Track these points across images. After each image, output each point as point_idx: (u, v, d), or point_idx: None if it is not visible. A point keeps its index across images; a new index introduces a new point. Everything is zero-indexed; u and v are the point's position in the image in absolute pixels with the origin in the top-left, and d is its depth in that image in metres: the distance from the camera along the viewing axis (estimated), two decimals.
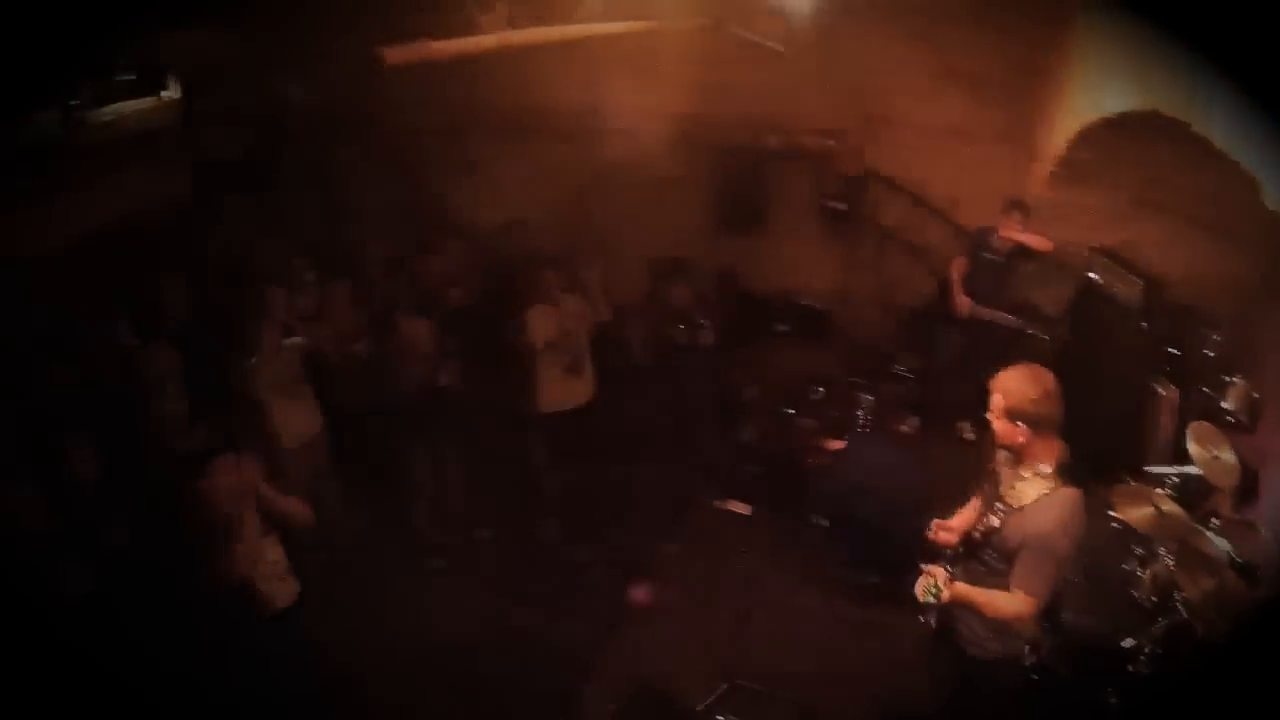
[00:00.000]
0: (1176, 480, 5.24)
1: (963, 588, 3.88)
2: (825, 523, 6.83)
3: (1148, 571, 4.91)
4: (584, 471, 7.59)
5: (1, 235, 7.01)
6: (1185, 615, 4.49)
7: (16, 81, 5.85)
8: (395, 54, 4.54)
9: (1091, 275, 6.96)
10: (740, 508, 7.32)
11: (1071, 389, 6.90)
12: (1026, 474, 3.85)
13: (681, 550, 7.04)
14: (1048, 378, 3.81)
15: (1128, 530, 5.06)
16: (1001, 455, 3.99)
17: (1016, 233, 7.13)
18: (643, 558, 6.98)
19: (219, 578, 4.83)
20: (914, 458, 6.64)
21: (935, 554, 4.26)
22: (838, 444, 6.89)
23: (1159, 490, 5.11)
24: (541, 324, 6.92)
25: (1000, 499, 3.93)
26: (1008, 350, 7.70)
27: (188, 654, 5.42)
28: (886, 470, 6.46)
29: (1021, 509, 3.80)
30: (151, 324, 7.10)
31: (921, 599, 3.90)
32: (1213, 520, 4.94)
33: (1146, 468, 5.54)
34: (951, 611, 4.06)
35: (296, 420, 6.69)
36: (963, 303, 7.61)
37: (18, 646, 4.64)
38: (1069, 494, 3.75)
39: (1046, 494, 3.76)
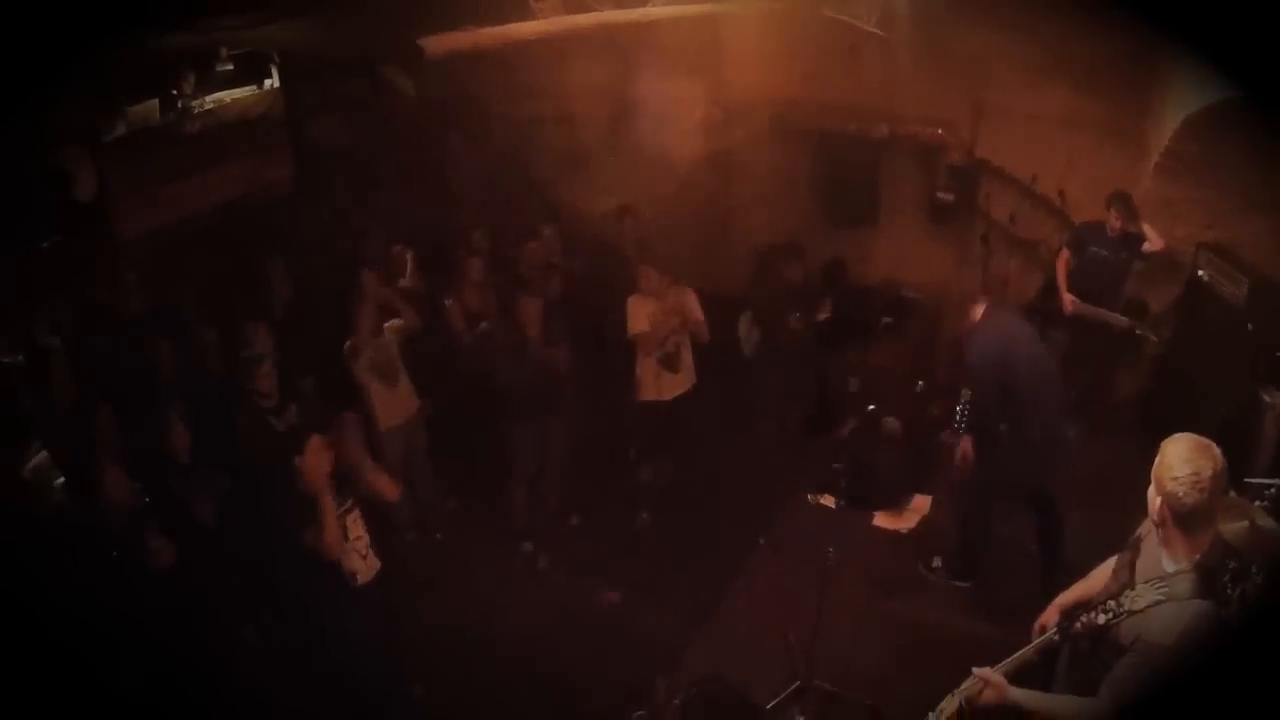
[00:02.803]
0: (1275, 493, 4.97)
1: (1016, 695, 3.58)
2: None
3: (1238, 590, 4.67)
4: (678, 462, 7.64)
5: (112, 218, 7.36)
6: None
7: (121, 70, 6.11)
8: (435, 44, 4.51)
9: (1200, 273, 6.66)
10: (831, 502, 7.24)
11: (1177, 392, 6.72)
12: (1166, 565, 3.43)
13: (769, 544, 6.98)
14: (1207, 460, 3.20)
15: (1223, 544, 4.82)
16: (1151, 527, 3.46)
17: (1134, 223, 6.84)
18: (730, 551, 6.95)
19: (306, 552, 4.98)
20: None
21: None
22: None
23: (1257, 503, 4.86)
24: (640, 314, 6.98)
25: (1116, 596, 3.53)
26: (1115, 351, 7.47)
27: (264, 626, 5.68)
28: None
29: (1134, 614, 3.40)
30: (253, 306, 7.36)
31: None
32: None
33: (1246, 479, 5.27)
34: None
35: (393, 403, 6.87)
36: (1068, 300, 7.33)
37: (96, 618, 4.87)
38: (1198, 609, 3.21)
39: (1174, 602, 3.35)
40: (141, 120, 7.34)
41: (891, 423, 7.31)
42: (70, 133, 6.87)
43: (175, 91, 7.47)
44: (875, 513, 7.07)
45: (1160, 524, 3.32)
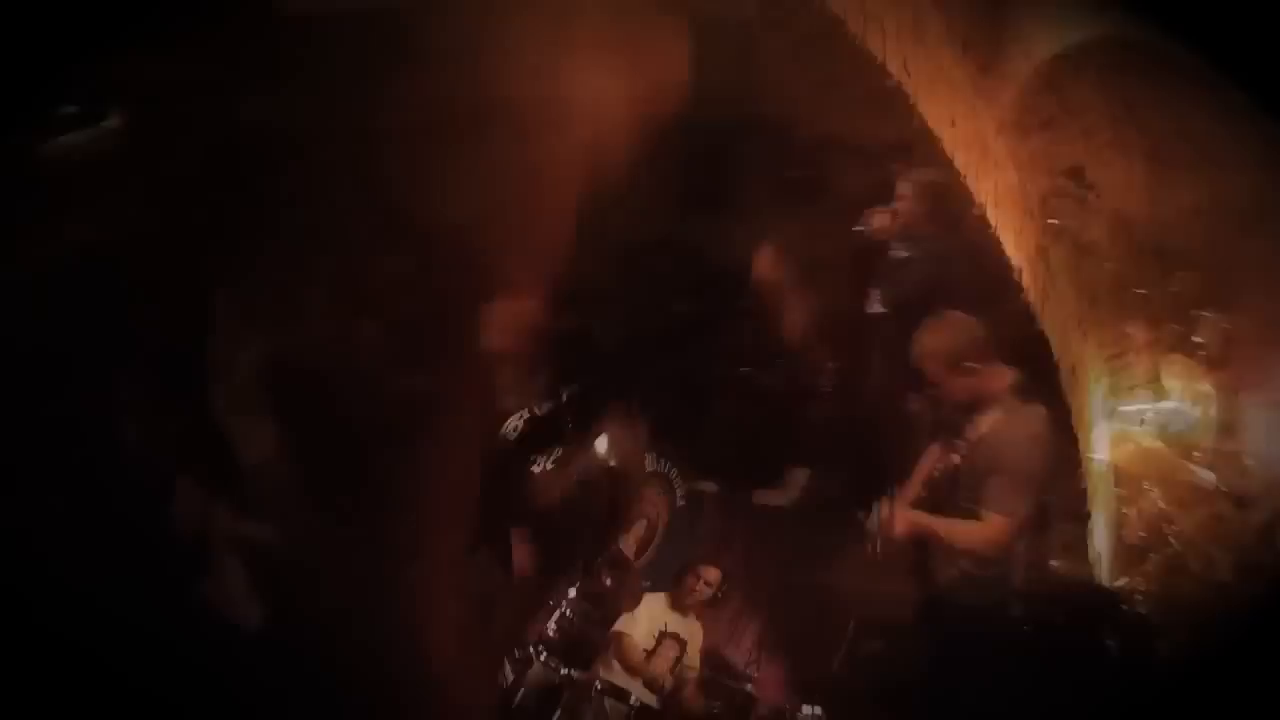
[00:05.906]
0: (1153, 416, 5.13)
1: (922, 517, 3.82)
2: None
3: (1134, 509, 4.82)
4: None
5: None
6: (1179, 548, 4.42)
7: None
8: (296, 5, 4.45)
9: (1051, 221, 6.80)
10: (710, 487, 7.26)
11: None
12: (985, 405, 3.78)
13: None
14: (952, 313, 3.99)
15: (1110, 469, 4.96)
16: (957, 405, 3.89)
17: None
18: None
19: (185, 601, 4.78)
20: None
21: None
22: None
23: (1137, 428, 5.01)
24: (502, 322, 6.99)
25: (958, 435, 3.85)
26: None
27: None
28: None
29: (981, 438, 3.73)
30: (119, 353, 7.08)
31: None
32: (1194, 453, 4.84)
33: (1121, 407, 5.42)
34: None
35: (257, 438, 6.63)
36: None
37: None
38: (1032, 410, 3.69)
39: (1007, 415, 3.69)
40: None
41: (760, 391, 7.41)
42: None
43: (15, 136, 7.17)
44: (754, 490, 7.09)
45: (979, 379, 4.01)
